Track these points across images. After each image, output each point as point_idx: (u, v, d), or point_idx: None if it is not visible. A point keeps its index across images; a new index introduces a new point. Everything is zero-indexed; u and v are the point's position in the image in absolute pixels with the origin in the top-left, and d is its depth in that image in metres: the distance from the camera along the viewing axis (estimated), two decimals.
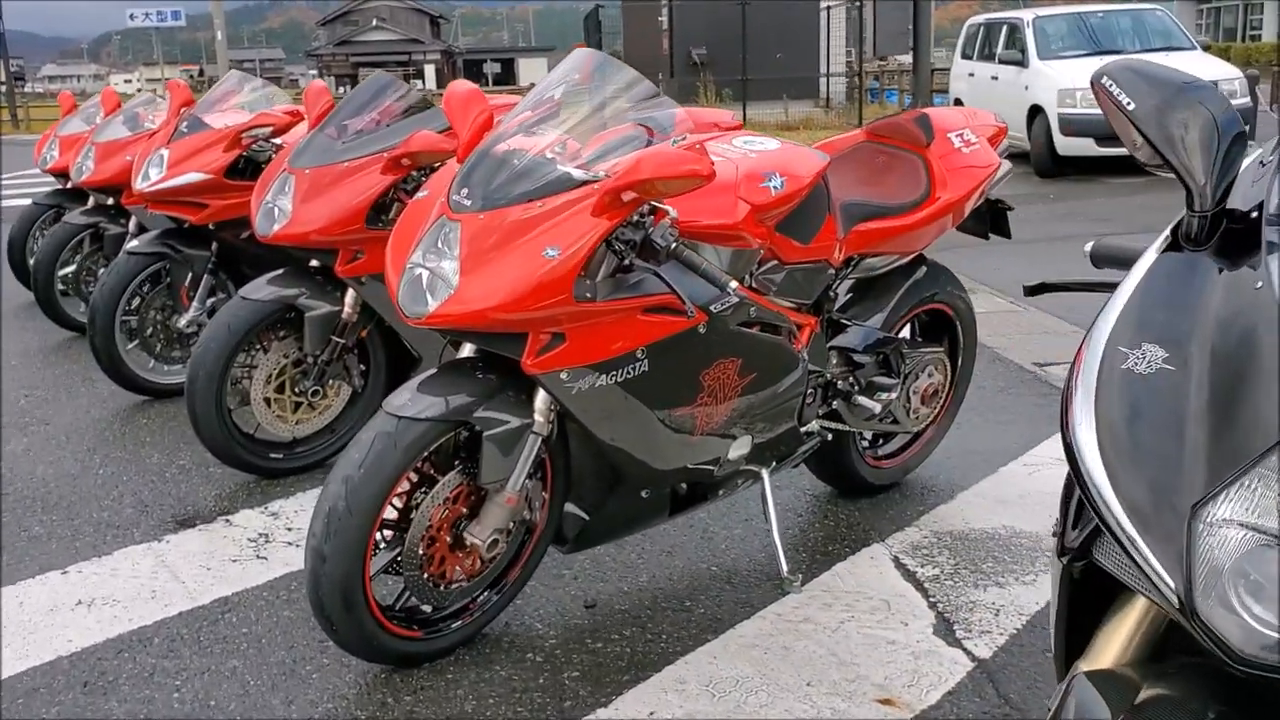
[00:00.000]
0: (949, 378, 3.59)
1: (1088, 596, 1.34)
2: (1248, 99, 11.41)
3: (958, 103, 14.61)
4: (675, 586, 3.03)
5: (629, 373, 2.50)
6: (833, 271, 3.06)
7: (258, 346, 3.80)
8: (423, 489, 2.54)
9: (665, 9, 21.89)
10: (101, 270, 6.09)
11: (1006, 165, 3.44)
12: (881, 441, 3.69)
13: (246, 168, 4.68)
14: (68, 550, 3.36)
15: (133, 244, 4.78)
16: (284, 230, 3.59)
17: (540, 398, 2.49)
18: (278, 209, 3.63)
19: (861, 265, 3.23)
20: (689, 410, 2.66)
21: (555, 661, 2.67)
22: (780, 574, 2.92)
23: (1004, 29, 13.28)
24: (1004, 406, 4.47)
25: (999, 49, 13.17)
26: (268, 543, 3.38)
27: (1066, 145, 11.45)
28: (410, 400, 2.46)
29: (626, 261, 2.40)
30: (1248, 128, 11.46)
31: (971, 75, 14.02)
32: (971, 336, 3.68)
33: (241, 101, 4.90)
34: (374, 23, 75.26)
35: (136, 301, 4.80)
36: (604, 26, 28.87)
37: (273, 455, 3.88)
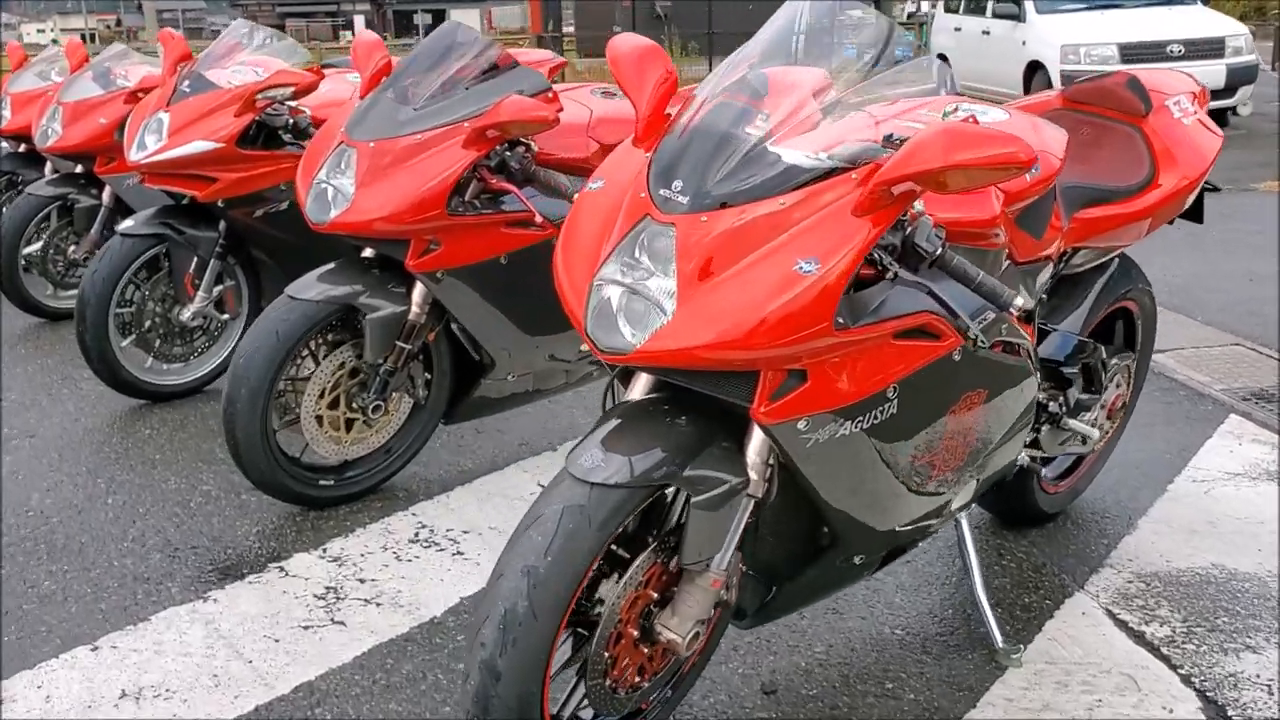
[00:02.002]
0: (1130, 387, 3.08)
1: None
2: (1254, 55, 11.04)
3: (942, 58, 14.10)
4: (862, 660, 2.48)
5: (876, 416, 1.95)
6: (1051, 270, 2.53)
7: (306, 354, 3.16)
8: (605, 570, 1.95)
9: None
10: (73, 248, 5.40)
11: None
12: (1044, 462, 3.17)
13: (259, 134, 4.02)
14: (91, 614, 2.73)
15: (126, 224, 4.08)
16: (344, 217, 2.95)
17: (754, 450, 1.92)
18: (335, 190, 2.99)
19: (1071, 261, 2.69)
20: (930, 457, 2.12)
21: None
22: (994, 644, 2.41)
23: None
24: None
25: (991, 1, 12.64)
26: (339, 600, 2.77)
27: None
28: (602, 460, 1.86)
29: (890, 274, 1.84)
30: (1252, 85, 11.12)
31: (958, 30, 13.48)
32: (1151, 339, 3.17)
33: (248, 56, 4.21)
34: None
35: (131, 291, 4.12)
36: None
37: (322, 482, 3.26)
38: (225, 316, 4.30)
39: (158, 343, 4.20)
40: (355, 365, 3.18)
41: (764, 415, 1.83)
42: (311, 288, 3.07)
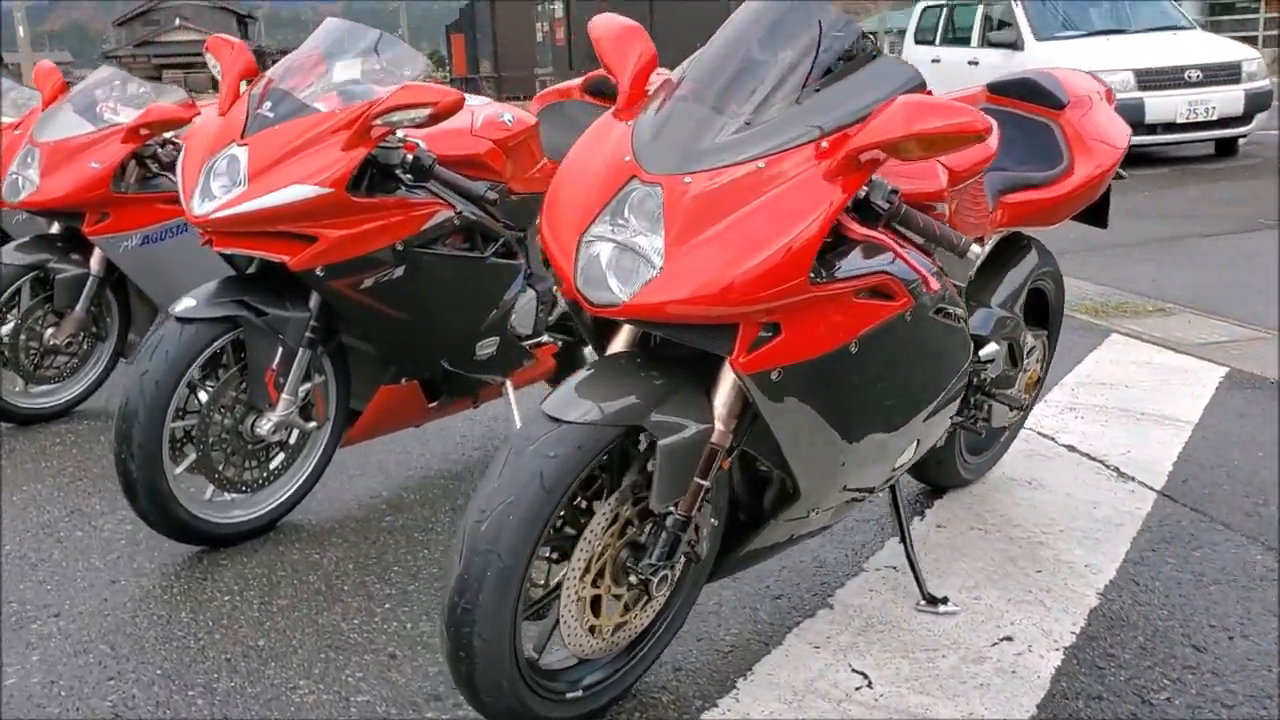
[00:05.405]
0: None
1: None
2: (1268, 80, 10.53)
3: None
4: None
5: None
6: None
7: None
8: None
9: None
10: (50, 331, 4.19)
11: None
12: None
13: (362, 175, 2.92)
14: None
15: (185, 305, 2.89)
16: (651, 294, 1.84)
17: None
18: (623, 252, 1.90)
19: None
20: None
21: None
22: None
23: (978, 10, 12.12)
24: None
25: (976, 30, 12.02)
26: None
27: None
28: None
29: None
30: (1267, 111, 10.61)
31: (937, 62, 12.78)
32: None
33: (345, 74, 3.08)
34: (176, 22, 70.79)
35: (187, 395, 2.95)
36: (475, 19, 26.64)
37: (570, 695, 2.14)
38: (311, 425, 3.14)
39: (222, 465, 3.03)
40: (629, 515, 2.08)
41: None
42: (574, 404, 1.96)
